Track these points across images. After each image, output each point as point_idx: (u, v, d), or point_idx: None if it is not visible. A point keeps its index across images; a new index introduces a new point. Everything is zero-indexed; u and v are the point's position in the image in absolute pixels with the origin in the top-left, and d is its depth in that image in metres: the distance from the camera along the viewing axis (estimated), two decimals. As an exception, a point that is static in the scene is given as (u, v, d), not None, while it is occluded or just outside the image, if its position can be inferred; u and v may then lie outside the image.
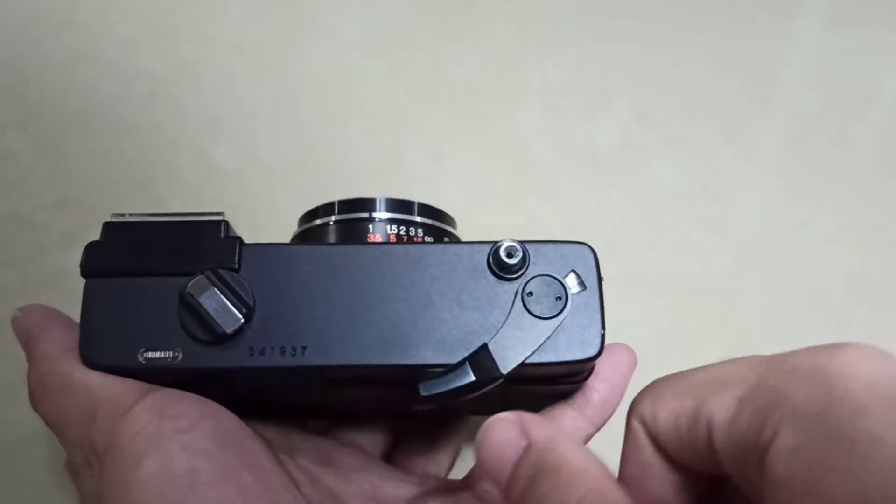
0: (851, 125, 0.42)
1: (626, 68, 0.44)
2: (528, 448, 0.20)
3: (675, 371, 0.23)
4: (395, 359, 0.24)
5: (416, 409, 0.24)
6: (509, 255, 0.24)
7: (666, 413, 0.22)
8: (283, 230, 0.32)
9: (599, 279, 0.25)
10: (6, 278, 0.38)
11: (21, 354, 0.26)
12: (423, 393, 0.23)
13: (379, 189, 0.41)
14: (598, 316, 0.24)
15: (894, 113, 0.43)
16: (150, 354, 0.23)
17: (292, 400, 0.28)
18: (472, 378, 0.23)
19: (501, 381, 0.23)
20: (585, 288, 0.25)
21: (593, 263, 0.25)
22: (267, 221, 0.40)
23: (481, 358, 0.23)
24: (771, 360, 0.20)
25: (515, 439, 0.21)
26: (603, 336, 0.24)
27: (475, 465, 0.22)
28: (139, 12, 0.44)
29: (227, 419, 0.24)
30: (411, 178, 0.41)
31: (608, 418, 0.28)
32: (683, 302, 0.38)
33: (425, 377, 0.23)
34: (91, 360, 0.24)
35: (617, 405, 0.28)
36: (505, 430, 0.21)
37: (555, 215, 0.40)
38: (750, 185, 0.41)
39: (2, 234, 0.39)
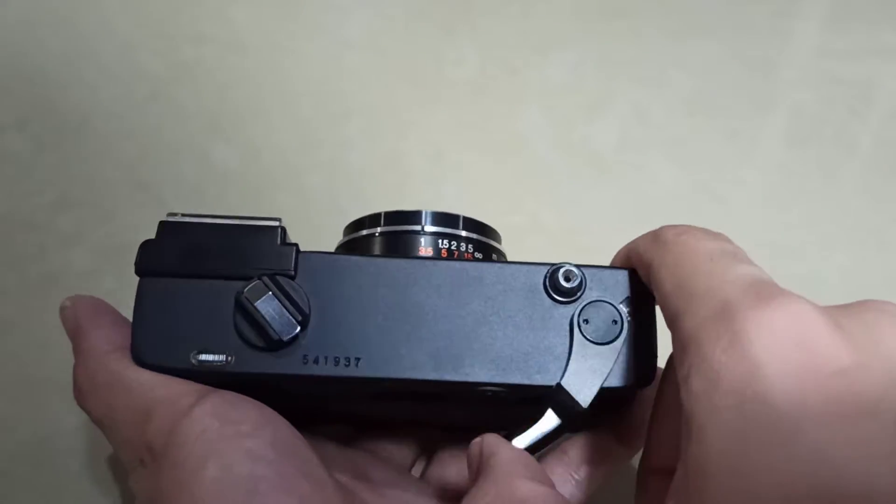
0: (851, 125, 0.42)
1: (626, 68, 0.44)
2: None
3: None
4: (448, 375, 0.24)
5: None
6: (567, 279, 0.24)
7: (655, 278, 0.23)
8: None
9: (654, 306, 0.25)
10: (6, 278, 0.38)
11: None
12: (520, 447, 0.23)
13: (379, 189, 0.41)
14: (653, 342, 0.25)
15: (894, 113, 0.43)
16: (203, 357, 0.23)
17: (337, 408, 0.28)
18: (558, 422, 0.24)
19: (586, 414, 0.24)
20: (640, 314, 0.25)
21: (646, 289, 0.25)
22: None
23: (560, 398, 0.24)
24: (726, 280, 0.20)
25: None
26: (656, 360, 0.25)
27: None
28: (139, 12, 0.44)
29: (283, 426, 0.23)
30: (411, 177, 0.41)
31: (602, 480, 0.28)
32: (683, 302, 0.38)
33: (510, 431, 0.24)
34: (143, 359, 0.24)
35: (614, 466, 0.28)
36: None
37: (555, 215, 0.40)
38: (750, 185, 0.41)
39: (2, 234, 0.39)
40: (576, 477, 0.27)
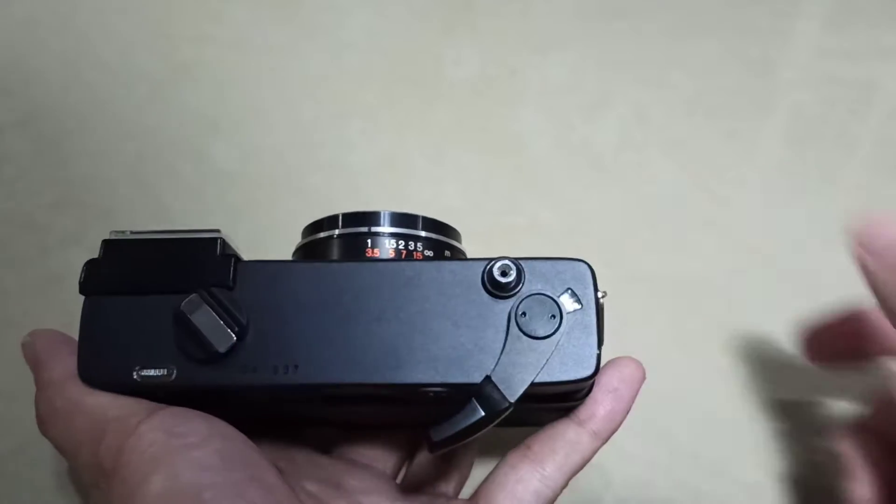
0: (851, 125, 0.42)
1: (626, 68, 0.44)
2: None
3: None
4: (388, 377, 0.24)
5: (435, 452, 0.24)
6: (503, 274, 0.24)
7: None
8: (283, 230, 0.32)
9: (596, 297, 0.25)
10: (6, 278, 0.38)
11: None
12: (435, 438, 0.23)
13: (379, 189, 0.41)
14: (595, 335, 0.24)
15: (894, 113, 0.43)
16: (146, 372, 0.24)
17: (294, 414, 0.28)
18: (482, 414, 0.23)
19: (510, 409, 0.23)
20: (582, 306, 0.24)
21: (590, 281, 0.25)
22: (267, 222, 0.40)
23: (487, 391, 0.23)
24: None
25: None
26: (598, 356, 0.24)
27: (863, 268, 0.25)
28: (139, 12, 0.44)
29: (234, 437, 0.24)
30: (411, 178, 0.41)
31: (614, 431, 0.28)
32: (683, 302, 0.38)
33: (433, 423, 0.23)
34: (89, 377, 0.24)
35: (623, 418, 0.28)
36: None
37: (555, 215, 0.40)
38: (750, 185, 0.41)
39: (2, 234, 0.39)
40: (542, 472, 0.27)
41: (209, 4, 0.44)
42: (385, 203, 0.40)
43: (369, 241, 0.27)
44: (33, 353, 0.26)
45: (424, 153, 0.42)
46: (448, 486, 0.31)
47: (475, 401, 0.23)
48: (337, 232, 0.28)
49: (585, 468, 0.28)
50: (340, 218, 0.28)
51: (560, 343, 0.24)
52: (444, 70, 0.43)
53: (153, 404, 0.24)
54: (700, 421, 0.36)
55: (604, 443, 0.28)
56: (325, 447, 0.31)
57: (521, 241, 0.39)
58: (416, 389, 0.24)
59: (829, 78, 0.43)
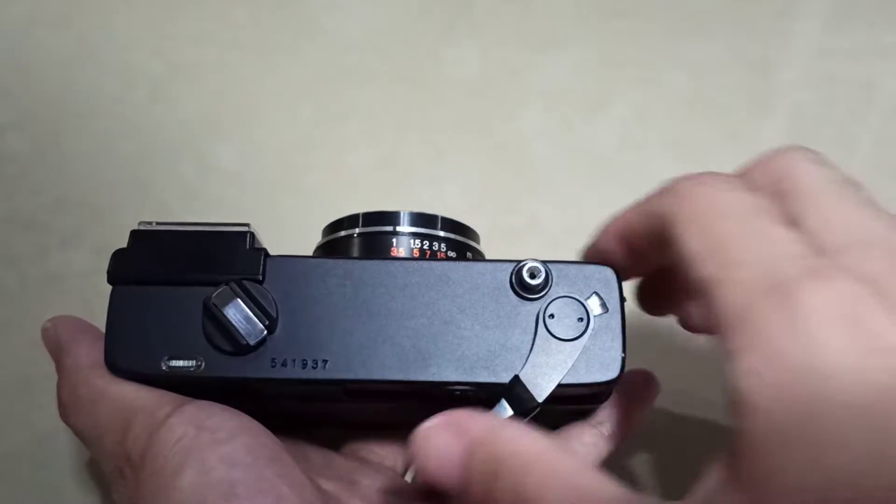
0: (851, 125, 0.42)
1: (626, 68, 0.44)
2: (472, 445, 0.21)
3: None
4: (416, 375, 0.24)
5: None
6: (532, 276, 0.24)
7: (678, 236, 0.21)
8: (282, 230, 0.32)
9: (622, 301, 0.25)
10: (6, 278, 0.38)
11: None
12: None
13: (379, 189, 0.41)
14: (620, 339, 0.24)
15: (894, 113, 0.43)
16: (174, 363, 0.24)
17: (316, 411, 0.29)
18: (511, 413, 0.24)
19: (539, 409, 0.24)
20: (607, 310, 0.25)
21: (616, 285, 0.25)
22: (267, 221, 0.40)
23: (516, 391, 0.24)
24: (774, 253, 0.20)
25: (454, 442, 0.21)
26: (623, 359, 0.24)
27: (419, 477, 0.22)
28: (139, 12, 0.44)
29: (261, 433, 0.24)
30: (411, 178, 0.41)
31: (627, 438, 0.28)
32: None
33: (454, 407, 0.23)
34: (116, 366, 0.24)
35: (636, 426, 0.28)
36: (440, 436, 0.21)
37: (555, 215, 0.40)
38: (750, 185, 0.41)
39: (2, 234, 0.39)
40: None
41: (209, 4, 0.44)
42: (385, 203, 0.40)
43: (394, 240, 0.27)
44: (55, 339, 0.26)
45: (424, 153, 0.42)
46: None
47: (504, 400, 0.24)
48: (357, 231, 0.28)
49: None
50: (361, 217, 0.28)
51: (586, 346, 0.24)
52: (444, 70, 0.43)
53: (180, 397, 0.24)
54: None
55: (618, 447, 0.28)
56: (336, 445, 0.31)
57: (520, 241, 0.39)
58: (443, 387, 0.24)
59: (829, 78, 0.43)
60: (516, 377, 0.24)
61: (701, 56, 0.44)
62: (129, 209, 0.39)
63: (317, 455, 0.29)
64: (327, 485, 0.26)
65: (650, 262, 0.25)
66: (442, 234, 0.28)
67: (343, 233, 0.28)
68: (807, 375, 0.17)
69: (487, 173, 0.41)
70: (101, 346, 0.25)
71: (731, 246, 0.20)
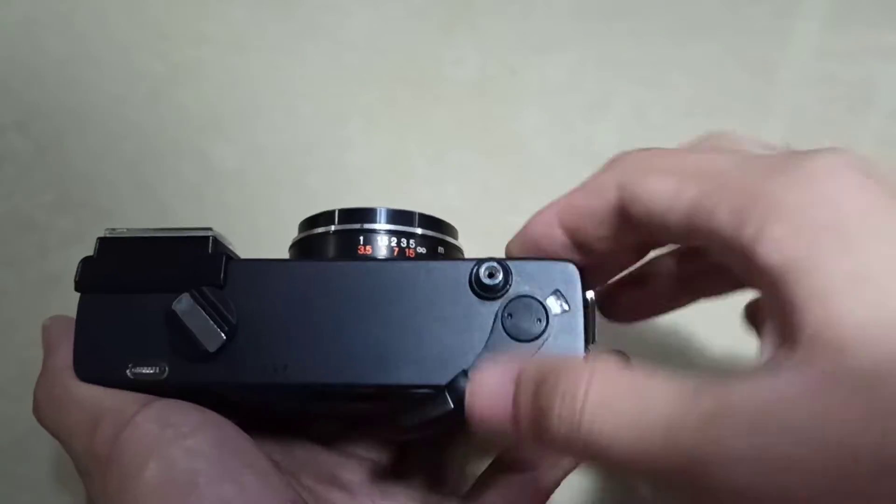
0: (851, 125, 0.42)
1: (626, 68, 0.44)
2: (521, 374, 0.21)
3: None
4: (375, 379, 0.24)
5: (401, 438, 0.24)
6: (490, 276, 0.24)
7: (644, 189, 0.22)
8: (282, 230, 0.32)
9: (585, 298, 0.24)
10: (6, 278, 0.38)
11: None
12: (403, 424, 0.23)
13: (379, 189, 0.41)
14: (580, 339, 0.24)
15: (894, 113, 0.43)
16: (139, 370, 0.24)
17: (287, 411, 0.29)
18: (451, 406, 0.23)
19: None
20: (569, 308, 0.24)
21: (577, 282, 0.24)
22: (267, 221, 0.40)
23: (460, 385, 0.23)
24: (754, 159, 0.20)
25: (506, 378, 0.21)
26: (585, 352, 0.24)
27: (473, 422, 0.22)
28: (139, 12, 0.44)
29: (227, 426, 0.24)
30: (411, 178, 0.41)
31: None
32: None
33: (406, 406, 0.23)
34: (83, 373, 0.25)
35: None
36: (491, 377, 0.21)
37: (555, 215, 0.40)
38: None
39: (2, 234, 0.39)
40: (534, 470, 0.27)
41: (209, 4, 0.44)
42: (385, 203, 0.40)
43: (361, 238, 0.27)
44: (47, 338, 0.26)
45: (424, 153, 0.42)
46: (443, 479, 0.31)
47: (446, 392, 0.23)
48: (333, 228, 0.28)
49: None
50: (336, 214, 0.28)
51: (545, 346, 0.24)
52: (444, 70, 0.43)
53: (148, 396, 0.24)
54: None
55: None
56: (327, 440, 0.31)
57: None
58: (403, 391, 0.24)
59: (829, 78, 0.43)
60: (464, 371, 0.23)
61: (701, 56, 0.44)
62: (130, 209, 0.39)
63: (301, 451, 0.29)
64: (308, 480, 0.26)
65: (596, 250, 0.24)
66: (419, 230, 0.28)
67: (319, 229, 0.28)
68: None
69: (487, 173, 0.41)
70: None
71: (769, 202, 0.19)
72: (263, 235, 0.39)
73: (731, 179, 0.20)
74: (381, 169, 0.41)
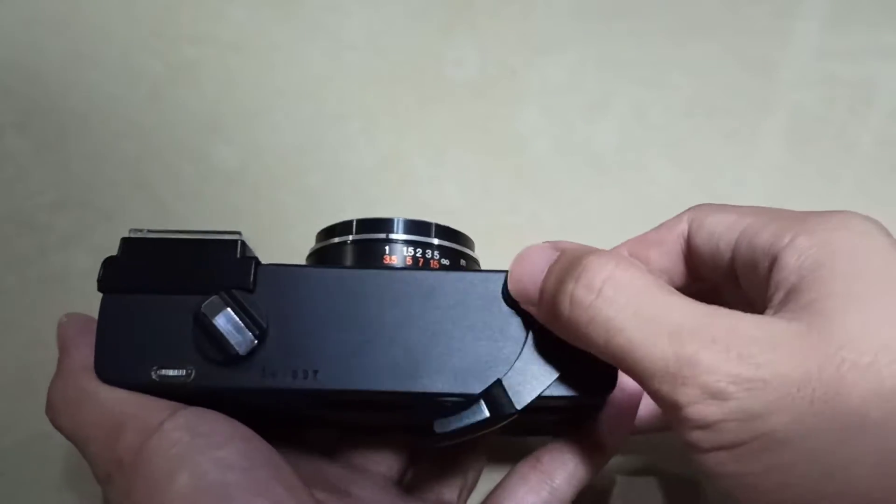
0: (851, 125, 0.42)
1: (626, 68, 0.44)
2: (562, 254, 0.23)
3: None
4: (406, 386, 0.24)
5: (434, 445, 0.24)
6: None
7: (711, 220, 0.25)
8: (283, 230, 0.32)
9: None
10: (6, 278, 0.38)
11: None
12: (438, 430, 0.23)
13: (379, 189, 0.41)
14: None
15: (894, 113, 0.43)
16: (164, 372, 0.24)
17: (306, 417, 0.28)
18: (487, 415, 0.23)
19: (515, 416, 0.23)
20: None
21: None
22: (267, 222, 0.40)
23: (495, 394, 0.23)
24: (802, 212, 0.24)
25: (549, 253, 0.23)
26: (616, 372, 0.24)
27: (511, 289, 0.24)
28: (139, 12, 0.44)
29: (255, 438, 0.24)
30: (411, 178, 0.41)
31: (621, 445, 0.28)
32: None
33: (440, 414, 0.23)
34: (105, 375, 0.24)
35: (627, 433, 0.28)
36: (539, 248, 0.24)
37: (555, 215, 0.40)
38: (750, 185, 0.41)
39: (2, 234, 0.39)
40: (551, 484, 0.28)
41: (209, 4, 0.44)
42: (385, 203, 0.40)
43: (387, 248, 0.27)
44: (63, 337, 0.26)
45: (424, 153, 0.42)
46: (452, 494, 0.31)
47: (483, 401, 0.23)
48: (351, 238, 0.28)
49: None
50: (354, 224, 0.28)
51: (578, 357, 0.23)
52: (444, 70, 0.43)
53: (173, 403, 0.24)
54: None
55: (611, 456, 0.28)
56: (328, 451, 0.31)
57: (521, 241, 0.39)
58: (433, 398, 0.24)
59: (829, 78, 0.43)
60: (498, 381, 0.24)
61: (701, 56, 0.44)
62: (129, 209, 0.39)
63: (307, 464, 0.29)
64: (320, 495, 0.26)
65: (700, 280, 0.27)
66: (436, 241, 0.28)
67: (336, 239, 0.28)
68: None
69: (487, 173, 0.41)
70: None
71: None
72: (264, 236, 0.39)
73: (781, 216, 0.24)
74: (381, 169, 0.41)
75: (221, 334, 0.23)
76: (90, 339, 0.25)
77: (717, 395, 0.20)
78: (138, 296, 0.24)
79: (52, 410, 0.25)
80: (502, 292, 0.24)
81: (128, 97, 0.42)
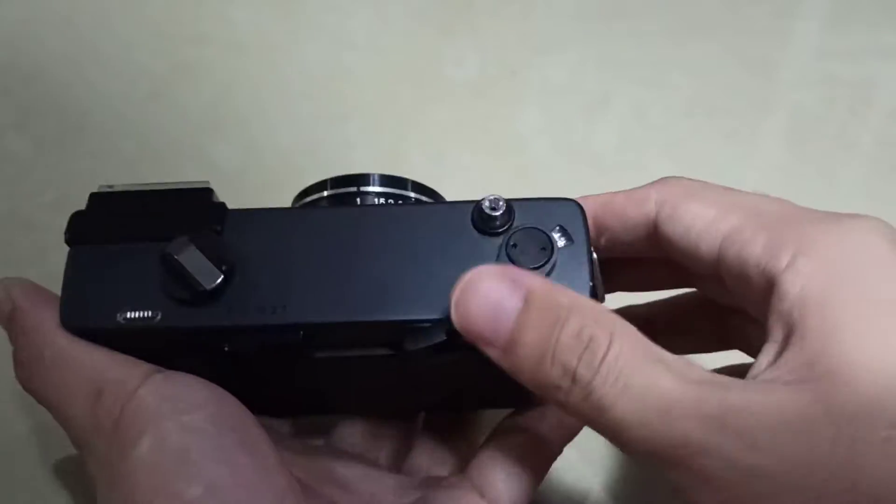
0: (851, 125, 0.42)
1: (626, 68, 0.44)
2: (530, 295, 0.20)
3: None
4: (378, 315, 0.23)
5: (407, 371, 0.24)
6: (493, 209, 0.24)
7: (686, 211, 0.23)
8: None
9: (587, 234, 0.24)
10: (6, 278, 0.38)
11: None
12: (409, 347, 0.23)
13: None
14: (587, 268, 0.23)
15: (894, 113, 0.43)
16: (130, 314, 0.23)
17: (288, 384, 0.28)
18: (444, 338, 0.23)
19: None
20: (573, 242, 0.24)
21: (580, 219, 0.24)
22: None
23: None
24: (798, 208, 0.22)
25: (507, 290, 0.20)
26: (592, 287, 0.23)
27: (458, 325, 0.21)
28: (139, 12, 0.44)
29: (230, 404, 0.23)
30: (411, 177, 0.41)
31: (565, 442, 0.28)
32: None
33: (409, 334, 0.23)
34: (70, 322, 0.23)
35: (577, 429, 0.28)
36: (491, 283, 0.21)
37: (555, 215, 0.40)
38: (750, 185, 0.41)
39: (2, 234, 0.39)
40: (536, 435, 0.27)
41: (209, 4, 0.44)
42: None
43: (358, 200, 0.27)
44: (8, 301, 0.25)
45: (424, 153, 0.42)
46: (443, 469, 0.30)
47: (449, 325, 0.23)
48: (326, 193, 0.27)
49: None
50: (329, 182, 0.28)
51: (552, 276, 0.23)
52: (444, 70, 0.43)
53: (152, 367, 0.23)
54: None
55: (554, 460, 0.27)
56: (317, 438, 0.31)
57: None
58: (405, 327, 0.23)
59: (829, 78, 0.43)
60: None
61: (701, 56, 0.44)
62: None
63: (296, 444, 0.29)
64: (300, 472, 0.26)
65: (613, 252, 0.26)
66: (413, 195, 0.27)
67: (312, 196, 0.28)
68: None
69: (487, 173, 0.41)
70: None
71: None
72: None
73: (771, 219, 0.21)
74: (381, 169, 0.41)
75: (187, 271, 0.23)
76: (46, 298, 0.24)
77: (710, 482, 0.18)
78: (106, 246, 0.24)
79: (24, 373, 0.24)
80: (471, 218, 0.24)
81: (128, 97, 0.42)
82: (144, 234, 0.24)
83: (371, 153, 0.42)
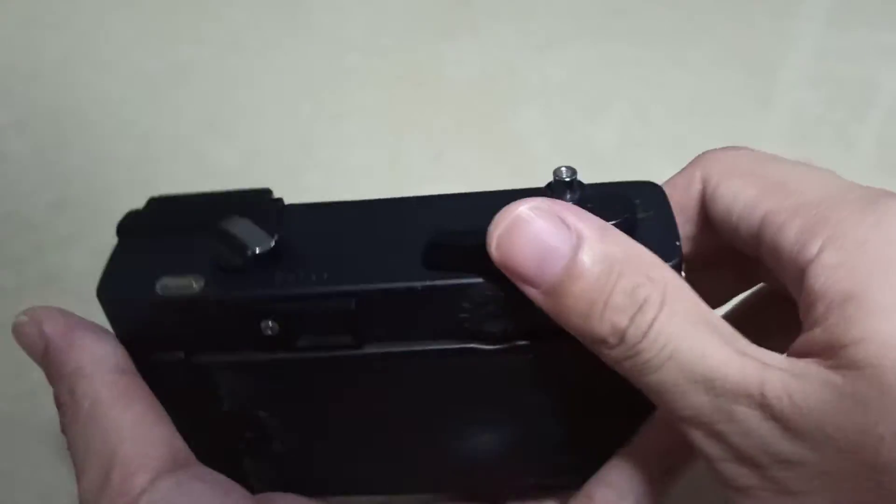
0: (851, 125, 0.42)
1: (626, 68, 0.44)
2: (583, 240, 0.19)
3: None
4: (430, 280, 0.22)
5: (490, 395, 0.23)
6: (570, 174, 0.22)
7: (727, 189, 0.22)
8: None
9: (670, 207, 0.22)
10: (5, 278, 0.38)
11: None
12: (486, 329, 0.22)
13: (378, 189, 0.41)
14: (673, 228, 0.22)
15: (894, 113, 0.43)
16: (168, 282, 0.22)
17: (341, 412, 0.26)
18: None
19: None
20: (655, 210, 0.22)
21: (662, 194, 0.23)
22: (267, 221, 0.40)
23: None
24: (838, 185, 0.21)
25: (558, 232, 0.19)
26: (678, 246, 0.21)
27: (497, 260, 0.19)
28: (139, 12, 0.44)
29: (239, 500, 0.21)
30: (411, 178, 0.41)
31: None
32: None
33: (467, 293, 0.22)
34: (106, 294, 0.22)
35: None
36: (540, 223, 0.19)
37: (555, 215, 0.40)
38: (750, 185, 0.41)
39: (2, 234, 0.39)
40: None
41: (209, 5, 0.44)
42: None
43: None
44: (41, 337, 0.23)
45: (424, 153, 0.42)
46: None
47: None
48: None
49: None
50: None
51: (637, 233, 0.21)
52: (444, 70, 0.43)
53: (166, 461, 0.21)
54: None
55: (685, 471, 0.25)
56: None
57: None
58: (461, 291, 0.22)
59: (829, 78, 0.43)
60: None
61: (701, 56, 0.44)
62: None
63: None
64: None
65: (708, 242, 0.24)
66: None
67: None
68: None
69: (487, 173, 0.41)
70: (104, 343, 0.22)
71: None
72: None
73: (809, 200, 0.20)
74: (381, 169, 0.41)
75: (237, 236, 0.22)
76: (81, 330, 0.22)
77: (744, 460, 0.18)
78: (156, 237, 0.23)
79: (62, 416, 0.22)
80: (546, 188, 0.23)
81: (127, 97, 0.42)
82: (197, 223, 0.23)
83: (371, 153, 0.42)
